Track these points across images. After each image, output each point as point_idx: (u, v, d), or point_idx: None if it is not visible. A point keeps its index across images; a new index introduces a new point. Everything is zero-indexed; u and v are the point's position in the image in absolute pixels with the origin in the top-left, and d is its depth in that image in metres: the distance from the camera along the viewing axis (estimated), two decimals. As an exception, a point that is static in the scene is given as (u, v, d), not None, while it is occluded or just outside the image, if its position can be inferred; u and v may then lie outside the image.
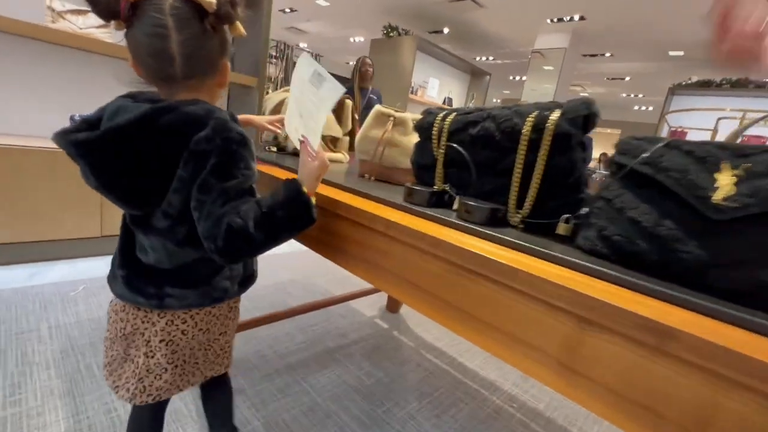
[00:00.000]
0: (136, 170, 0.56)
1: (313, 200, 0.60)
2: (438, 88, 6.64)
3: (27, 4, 1.80)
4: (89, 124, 0.56)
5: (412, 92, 5.93)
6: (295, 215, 0.58)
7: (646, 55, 6.67)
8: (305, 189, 0.58)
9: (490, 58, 8.53)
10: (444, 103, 6.73)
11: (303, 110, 0.65)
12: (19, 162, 1.63)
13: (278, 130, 0.95)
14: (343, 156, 1.18)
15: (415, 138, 0.75)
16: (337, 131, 1.15)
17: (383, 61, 6.02)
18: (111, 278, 0.67)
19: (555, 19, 5.74)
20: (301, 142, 0.63)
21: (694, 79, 6.36)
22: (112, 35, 1.91)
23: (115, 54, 1.93)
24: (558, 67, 6.50)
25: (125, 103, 0.57)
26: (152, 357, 0.64)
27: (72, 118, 1.88)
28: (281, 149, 1.20)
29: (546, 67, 6.80)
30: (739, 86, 6.04)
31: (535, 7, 5.42)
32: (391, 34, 6.03)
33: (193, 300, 0.64)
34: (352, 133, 1.23)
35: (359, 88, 3.55)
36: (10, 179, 1.63)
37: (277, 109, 1.16)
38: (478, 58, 8.56)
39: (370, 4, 6.36)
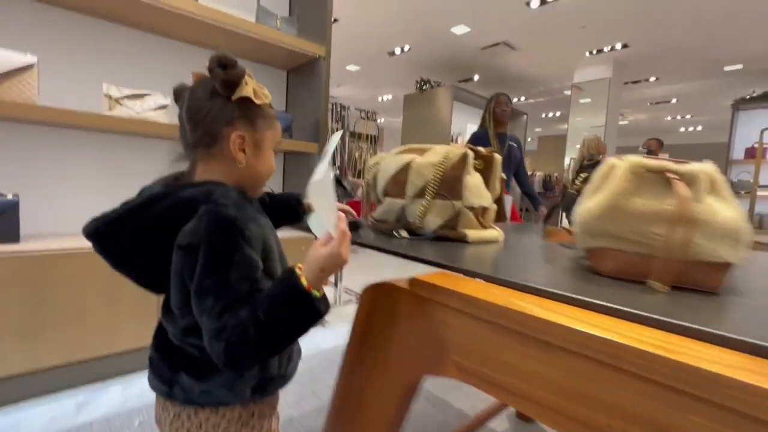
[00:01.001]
0: (137, 260, 0.55)
1: (318, 294, 0.49)
2: (476, 133, 6.45)
3: (84, 94, 1.69)
4: (119, 207, 0.56)
5: (452, 141, 5.74)
6: (297, 320, 0.49)
7: (697, 73, 6.27)
8: (304, 281, 0.49)
9: (522, 98, 8.40)
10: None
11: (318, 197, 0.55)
12: (69, 268, 1.39)
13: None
14: (498, 233, 0.83)
15: (723, 208, 0.39)
16: (487, 199, 0.82)
17: (419, 115, 5.96)
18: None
19: (594, 51, 5.54)
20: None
21: (759, 91, 5.84)
22: (170, 115, 1.76)
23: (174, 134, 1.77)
24: (597, 98, 6.21)
25: (148, 186, 0.58)
26: None
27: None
28: (414, 233, 0.86)
29: (582, 101, 6.53)
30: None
31: (573, 41, 5.26)
32: (425, 87, 6.01)
33: (196, 395, 0.56)
34: (498, 200, 0.89)
35: (495, 134, 2.73)
36: (60, 289, 1.38)
37: (400, 177, 0.84)
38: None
39: (400, 63, 6.47)
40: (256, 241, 0.53)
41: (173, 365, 0.57)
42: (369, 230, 0.89)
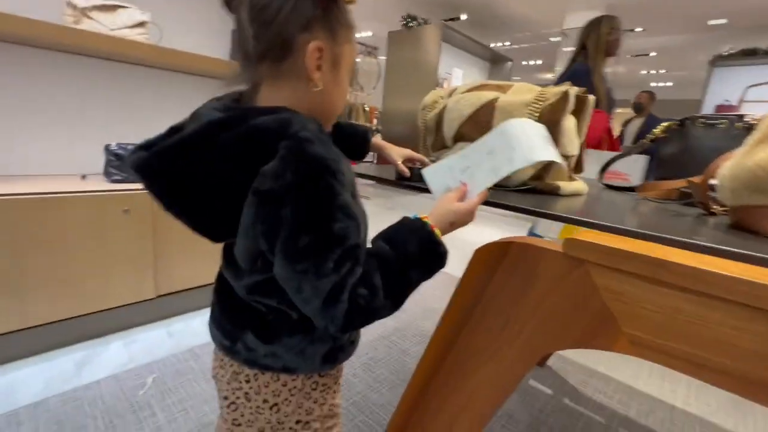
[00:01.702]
0: (196, 201, 0.42)
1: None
2: (462, 78, 6.20)
3: (40, 1, 1.36)
4: (167, 133, 0.44)
5: (437, 86, 5.50)
6: (429, 270, 0.44)
7: (682, 26, 6.23)
8: (438, 233, 0.45)
9: (507, 43, 8.11)
10: (469, 94, 6.30)
11: (473, 161, 0.53)
12: (49, 215, 1.20)
13: (406, 172, 0.72)
14: (582, 185, 0.76)
15: None
16: (576, 146, 0.73)
17: (405, 56, 5.59)
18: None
19: (589, -5, 5.31)
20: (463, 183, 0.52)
21: (737, 48, 5.94)
22: (149, 36, 1.48)
23: (158, 62, 1.49)
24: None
25: (204, 108, 0.47)
26: (222, 419, 0.54)
27: (108, 149, 1.44)
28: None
29: (566, 49, 6.38)
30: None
31: (570, -18, 4.98)
32: (411, 24, 5.58)
33: (260, 356, 0.49)
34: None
35: (601, 72, 2.07)
36: (42, 239, 1.19)
37: (480, 118, 0.73)
38: (493, 45, 8.11)
39: (385, -7, 5.90)
40: (349, 186, 0.43)
41: (237, 321, 0.50)
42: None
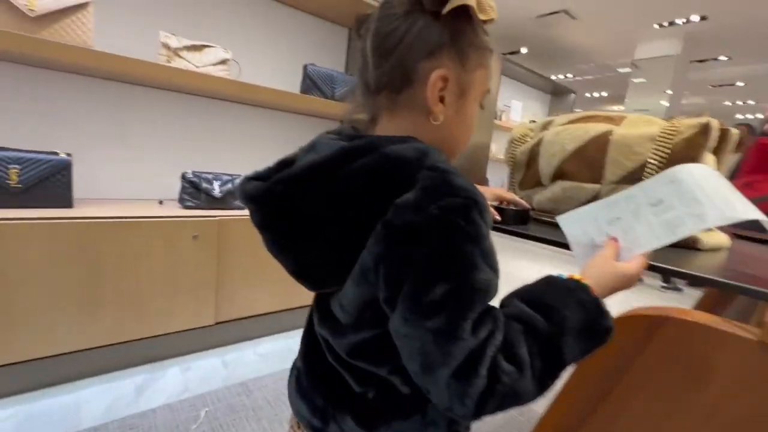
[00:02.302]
0: (311, 236, 0.37)
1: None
2: (521, 111, 6.05)
3: (139, 43, 1.50)
4: (279, 165, 0.41)
5: (496, 118, 5.39)
6: (588, 348, 0.33)
7: (775, 53, 5.62)
8: (604, 304, 0.34)
9: (569, 75, 7.85)
10: (528, 126, 6.10)
11: (626, 212, 0.43)
12: (126, 238, 1.25)
13: (496, 215, 0.60)
14: (725, 237, 0.61)
15: None
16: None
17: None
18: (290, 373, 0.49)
19: (666, 23, 5.00)
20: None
21: None
22: (230, 72, 1.56)
23: (237, 96, 1.57)
24: (656, 78, 5.69)
25: (322, 139, 0.42)
26: None
27: (184, 177, 1.50)
28: None
29: (636, 80, 6.00)
30: None
31: (643, 11, 4.74)
32: (470, 58, 5.61)
33: None
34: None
35: None
36: (116, 260, 1.24)
37: (589, 154, 0.63)
38: (554, 77, 7.90)
39: (444, 30, 6.04)
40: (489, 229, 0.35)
41: (333, 396, 0.42)
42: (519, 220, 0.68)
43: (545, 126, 0.75)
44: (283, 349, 1.59)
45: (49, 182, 1.24)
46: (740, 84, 7.23)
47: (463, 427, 0.43)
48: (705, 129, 0.54)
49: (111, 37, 1.42)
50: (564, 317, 0.33)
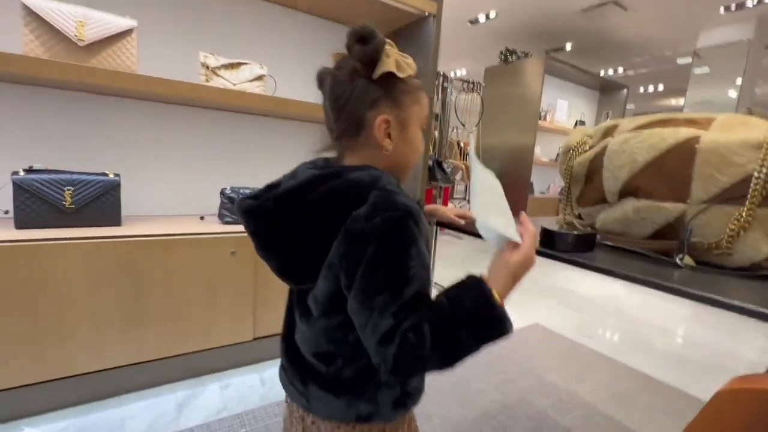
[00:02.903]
0: (292, 242, 0.49)
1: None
2: (567, 110, 5.71)
3: (178, 64, 1.55)
4: (267, 188, 0.52)
5: (540, 118, 5.12)
6: (483, 335, 0.42)
7: None
8: (496, 294, 0.43)
9: (620, 70, 7.33)
10: (576, 126, 5.74)
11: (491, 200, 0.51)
12: (168, 255, 1.27)
13: (459, 221, 0.77)
14: None
15: None
16: None
17: (502, 91, 5.38)
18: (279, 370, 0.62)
19: (733, 7, 4.51)
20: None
21: None
22: (266, 88, 1.57)
23: (273, 110, 1.57)
24: (723, 67, 5.13)
25: (301, 168, 0.56)
26: None
27: (223, 193, 1.52)
28: (704, 261, 0.52)
29: (699, 71, 5.45)
30: None
31: (705, -5, 4.31)
32: (510, 59, 5.40)
33: (336, 410, 0.52)
34: None
35: None
36: (158, 276, 1.26)
37: (668, 166, 0.52)
38: (602, 73, 7.42)
39: (481, 32, 5.88)
40: (425, 237, 0.47)
41: (305, 374, 0.54)
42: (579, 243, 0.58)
43: (609, 131, 0.64)
44: (320, 367, 1.55)
45: (100, 202, 1.30)
46: (828, 68, 6.36)
47: (413, 385, 0.55)
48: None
49: (153, 60, 1.48)
50: (461, 305, 0.42)
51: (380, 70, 0.48)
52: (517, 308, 2.35)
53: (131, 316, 1.24)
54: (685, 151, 0.50)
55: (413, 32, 1.88)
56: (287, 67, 1.84)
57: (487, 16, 5.29)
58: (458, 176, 2.18)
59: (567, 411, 1.38)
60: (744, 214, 0.45)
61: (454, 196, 6.55)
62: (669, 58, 6.49)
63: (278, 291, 1.52)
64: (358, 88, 0.49)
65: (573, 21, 5.25)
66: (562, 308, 2.41)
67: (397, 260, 0.42)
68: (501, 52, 5.48)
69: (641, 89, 8.58)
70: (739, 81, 5.06)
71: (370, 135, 0.50)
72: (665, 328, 2.25)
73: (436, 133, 2.14)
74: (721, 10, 4.64)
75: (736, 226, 0.45)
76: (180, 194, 1.65)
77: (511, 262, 0.46)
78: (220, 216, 1.53)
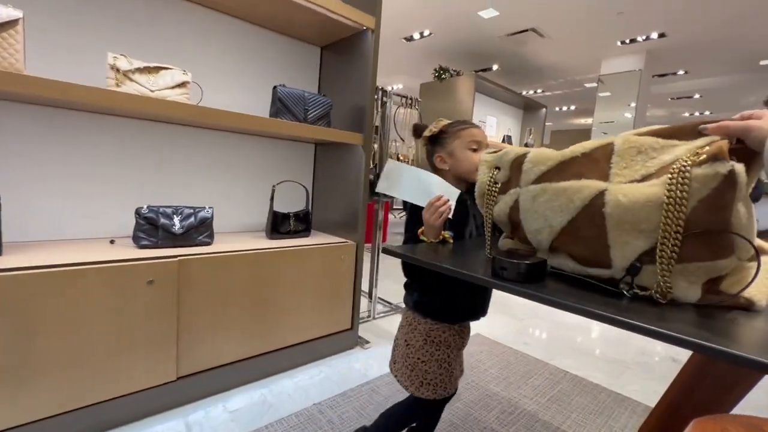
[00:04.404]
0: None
1: (425, 239, 0.85)
2: (496, 126, 6.12)
3: (81, 66, 1.34)
4: None
5: (472, 133, 5.41)
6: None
7: (730, 67, 5.96)
8: (419, 230, 0.87)
9: (539, 90, 8.07)
10: (503, 141, 6.17)
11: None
12: (65, 289, 1.07)
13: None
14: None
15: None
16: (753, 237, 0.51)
17: (436, 106, 5.61)
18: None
19: (628, 41, 5.21)
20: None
21: (795, 87, 5.56)
22: (190, 96, 1.42)
23: (199, 121, 1.42)
24: (621, 92, 5.91)
25: None
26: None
27: (138, 213, 1.33)
28: (645, 294, 0.53)
29: (602, 94, 6.21)
30: None
31: (606, 30, 4.92)
32: (444, 76, 5.65)
33: (407, 299, 1.00)
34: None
35: None
36: (55, 316, 1.05)
37: (582, 231, 0.52)
38: (524, 93, 8.10)
39: (416, 49, 6.10)
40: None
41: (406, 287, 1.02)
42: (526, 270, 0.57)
43: (516, 166, 0.63)
44: (257, 403, 1.41)
45: (-29, 227, 1.05)
46: (697, 96, 7.62)
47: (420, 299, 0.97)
48: (730, 181, 0.44)
49: (50, 60, 1.27)
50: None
51: (424, 137, 0.99)
52: (459, 319, 2.39)
53: (14, 369, 1.01)
54: (594, 214, 0.49)
55: (352, 45, 1.85)
56: (217, 76, 1.70)
57: (422, 35, 5.49)
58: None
59: (511, 423, 1.40)
60: (663, 273, 0.46)
61: (394, 207, 6.61)
62: (579, 82, 7.29)
63: (210, 319, 1.36)
64: (427, 148, 1.02)
65: (499, 44, 5.66)
66: (502, 317, 2.51)
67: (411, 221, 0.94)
68: (435, 69, 5.72)
69: (557, 108, 9.51)
70: (633, 104, 5.82)
71: (436, 163, 0.98)
72: (586, 328, 2.44)
73: (376, 146, 2.12)
74: (618, 42, 5.33)
75: (661, 283, 0.47)
76: (85, 215, 1.41)
77: (424, 217, 0.84)
78: (135, 239, 1.33)
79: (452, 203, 0.82)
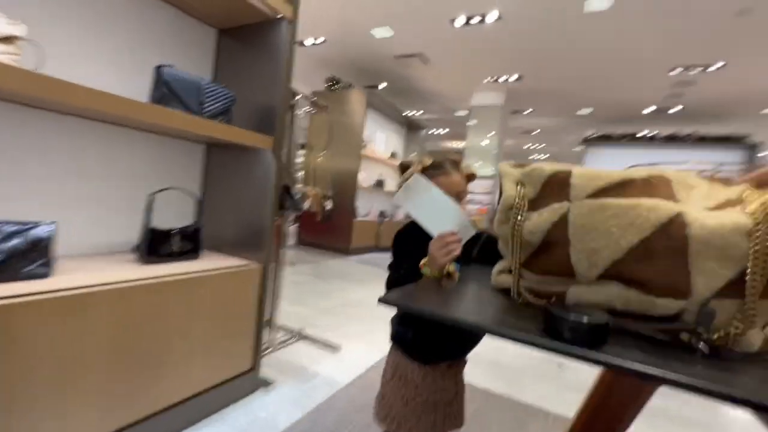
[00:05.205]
0: None
1: (428, 272, 0.73)
2: (384, 142, 6.33)
3: None
4: None
5: (362, 148, 5.46)
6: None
7: (558, 112, 7.50)
8: (422, 263, 0.75)
9: (420, 112, 8.73)
10: (392, 157, 6.42)
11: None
12: None
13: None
14: None
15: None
16: None
17: (329, 116, 5.50)
18: None
19: (492, 79, 6.04)
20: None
21: (599, 133, 7.33)
22: (20, 58, 0.96)
23: (34, 95, 0.96)
24: (485, 122, 6.87)
25: None
26: None
27: None
28: (714, 345, 0.48)
29: (470, 123, 7.12)
30: (635, 140, 7.05)
31: (479, 66, 5.62)
32: (335, 87, 5.59)
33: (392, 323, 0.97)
34: None
35: None
36: None
37: (656, 253, 0.48)
38: (407, 113, 8.67)
39: (307, 56, 5.89)
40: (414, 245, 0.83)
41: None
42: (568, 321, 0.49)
43: (552, 185, 0.57)
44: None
45: None
46: (537, 132, 9.37)
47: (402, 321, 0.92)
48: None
49: None
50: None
51: (414, 170, 0.88)
52: (367, 344, 2.28)
53: None
54: (673, 235, 0.45)
55: (262, 34, 1.58)
56: (69, 40, 1.22)
57: (315, 41, 5.33)
58: (307, 204, 1.95)
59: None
60: (749, 307, 0.43)
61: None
62: (452, 109, 8.16)
63: (52, 388, 0.91)
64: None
65: (387, 63, 5.89)
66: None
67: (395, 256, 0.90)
68: (328, 79, 5.61)
69: (432, 131, 10.47)
70: (494, 133, 6.78)
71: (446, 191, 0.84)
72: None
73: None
74: (485, 80, 6.14)
75: (742, 321, 0.43)
76: None
77: (429, 246, 0.73)
78: None
79: (464, 241, 0.73)
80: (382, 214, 6.18)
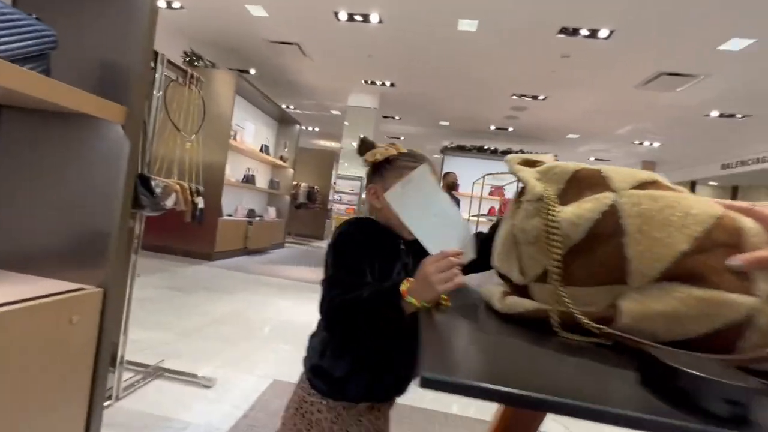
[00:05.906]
0: None
1: (414, 302, 0.52)
2: (254, 133, 5.74)
3: None
4: None
5: (231, 138, 4.81)
6: (380, 305, 0.59)
7: (421, 122, 8.19)
8: (405, 285, 0.54)
9: (292, 107, 8.31)
10: (262, 151, 5.86)
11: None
12: None
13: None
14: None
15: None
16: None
17: (182, 98, 4.64)
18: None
19: (369, 82, 6.16)
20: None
21: (454, 144, 8.31)
22: None
23: None
24: (359, 124, 7.02)
25: None
26: None
27: None
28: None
29: (346, 123, 7.20)
30: (482, 151, 8.21)
31: (356, 67, 5.63)
32: (197, 64, 4.78)
33: (304, 372, 0.75)
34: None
35: None
36: None
37: (602, 229, 0.43)
38: (281, 105, 8.14)
39: (161, 20, 4.86)
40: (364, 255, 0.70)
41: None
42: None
43: (579, 180, 0.49)
44: None
45: None
46: (402, 138, 10.04)
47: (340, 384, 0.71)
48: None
49: None
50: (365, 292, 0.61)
51: (369, 160, 0.74)
52: (249, 372, 1.93)
53: None
54: (728, 230, 0.41)
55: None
56: None
57: (169, 4, 4.43)
58: (171, 201, 1.50)
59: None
60: None
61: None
62: (327, 107, 8.03)
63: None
64: (367, 172, 0.80)
65: (260, 48, 5.37)
66: (293, 353, 2.22)
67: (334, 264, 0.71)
68: (185, 53, 4.75)
69: (304, 127, 10.13)
70: (369, 136, 6.95)
71: (369, 199, 0.79)
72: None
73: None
74: (362, 82, 6.22)
75: None
76: None
77: (423, 271, 0.53)
78: None
79: (464, 263, 0.55)
80: (251, 213, 5.60)
